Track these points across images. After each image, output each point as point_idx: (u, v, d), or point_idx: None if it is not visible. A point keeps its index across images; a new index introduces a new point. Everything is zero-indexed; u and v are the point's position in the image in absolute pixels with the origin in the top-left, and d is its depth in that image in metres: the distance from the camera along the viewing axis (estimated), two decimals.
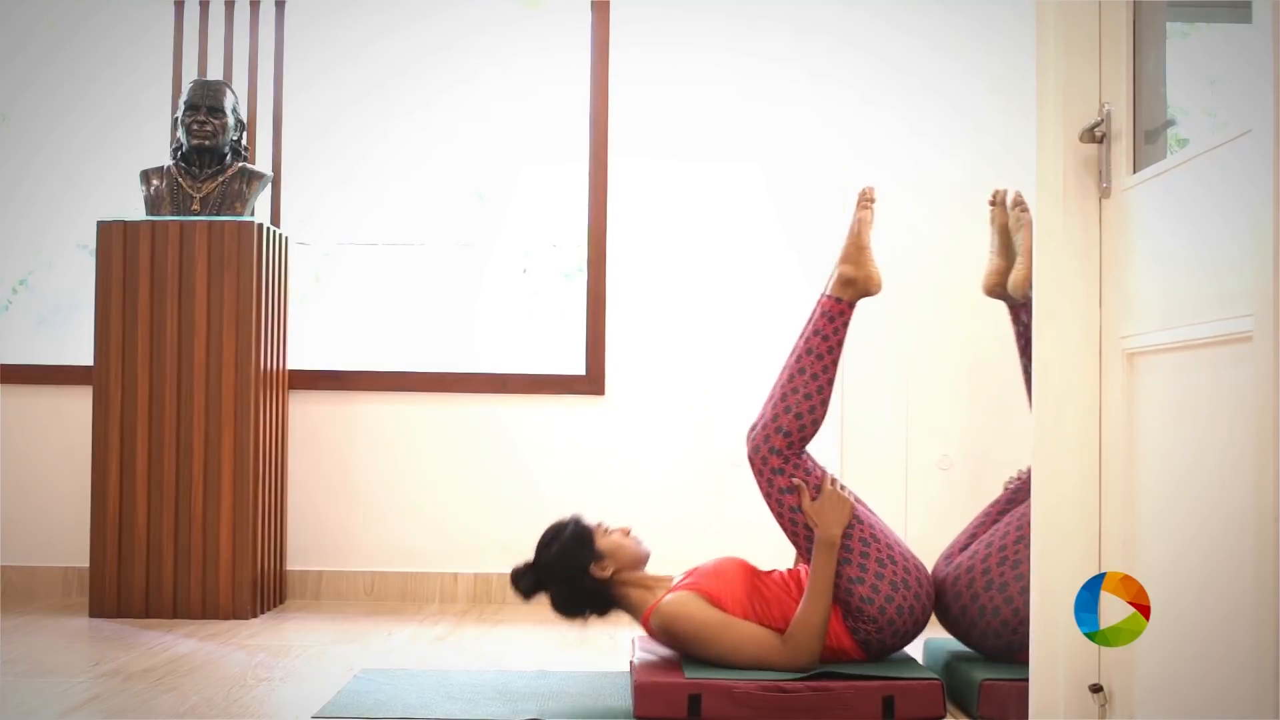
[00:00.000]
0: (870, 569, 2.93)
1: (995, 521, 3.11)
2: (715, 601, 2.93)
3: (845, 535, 2.94)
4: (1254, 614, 1.64)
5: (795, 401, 3.01)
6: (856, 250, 3.11)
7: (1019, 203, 3.16)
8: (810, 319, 3.10)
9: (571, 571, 2.99)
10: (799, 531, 3.01)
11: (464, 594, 4.56)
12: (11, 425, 4.59)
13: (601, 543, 3.01)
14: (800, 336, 3.10)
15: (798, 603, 2.96)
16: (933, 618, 3.05)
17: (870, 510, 3.08)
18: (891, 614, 2.92)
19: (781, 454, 3.00)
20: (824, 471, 3.04)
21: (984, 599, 2.90)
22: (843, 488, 3.01)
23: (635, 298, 4.65)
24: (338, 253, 4.89)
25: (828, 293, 3.11)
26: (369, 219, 4.88)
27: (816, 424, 3.03)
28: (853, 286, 3.10)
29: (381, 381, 4.66)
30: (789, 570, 3.11)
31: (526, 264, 4.88)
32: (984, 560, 2.94)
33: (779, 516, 3.04)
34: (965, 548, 3.10)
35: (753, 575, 3.05)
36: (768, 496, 3.03)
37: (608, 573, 2.99)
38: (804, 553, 3.04)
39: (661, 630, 2.94)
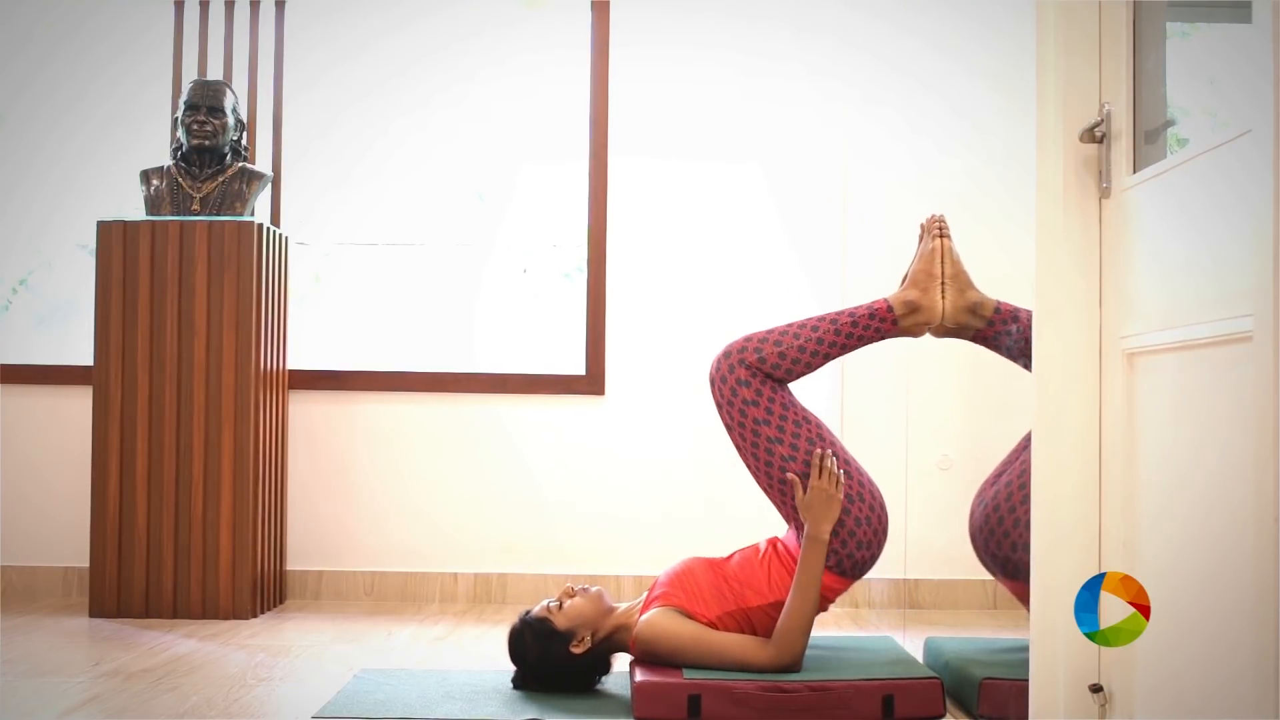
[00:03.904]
0: None
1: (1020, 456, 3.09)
2: (687, 610, 2.98)
3: (808, 454, 3.01)
4: (1254, 614, 1.64)
5: (788, 343, 3.06)
6: (927, 277, 3.11)
7: (941, 228, 3.16)
8: (859, 306, 3.12)
9: (558, 665, 2.99)
10: (759, 455, 3.04)
11: (464, 594, 4.56)
12: (11, 425, 4.59)
13: (563, 621, 2.99)
14: (839, 310, 3.13)
15: (763, 568, 3.03)
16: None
17: (829, 428, 3.12)
18: (850, 525, 2.98)
19: (750, 368, 3.05)
20: (818, 433, 3.05)
21: (1014, 535, 2.90)
22: (832, 458, 3.01)
23: (635, 298, 4.66)
24: (337, 253, 4.89)
25: (889, 300, 3.11)
26: (369, 219, 4.88)
27: (789, 375, 3.07)
28: (914, 314, 3.09)
29: (381, 381, 4.66)
30: (747, 548, 3.15)
31: (526, 264, 4.88)
32: (1007, 500, 2.95)
33: (737, 429, 3.06)
34: (993, 484, 3.10)
35: (713, 568, 3.08)
36: (729, 405, 3.06)
37: (586, 644, 2.99)
38: (763, 478, 3.07)
39: (645, 654, 2.97)
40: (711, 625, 2.98)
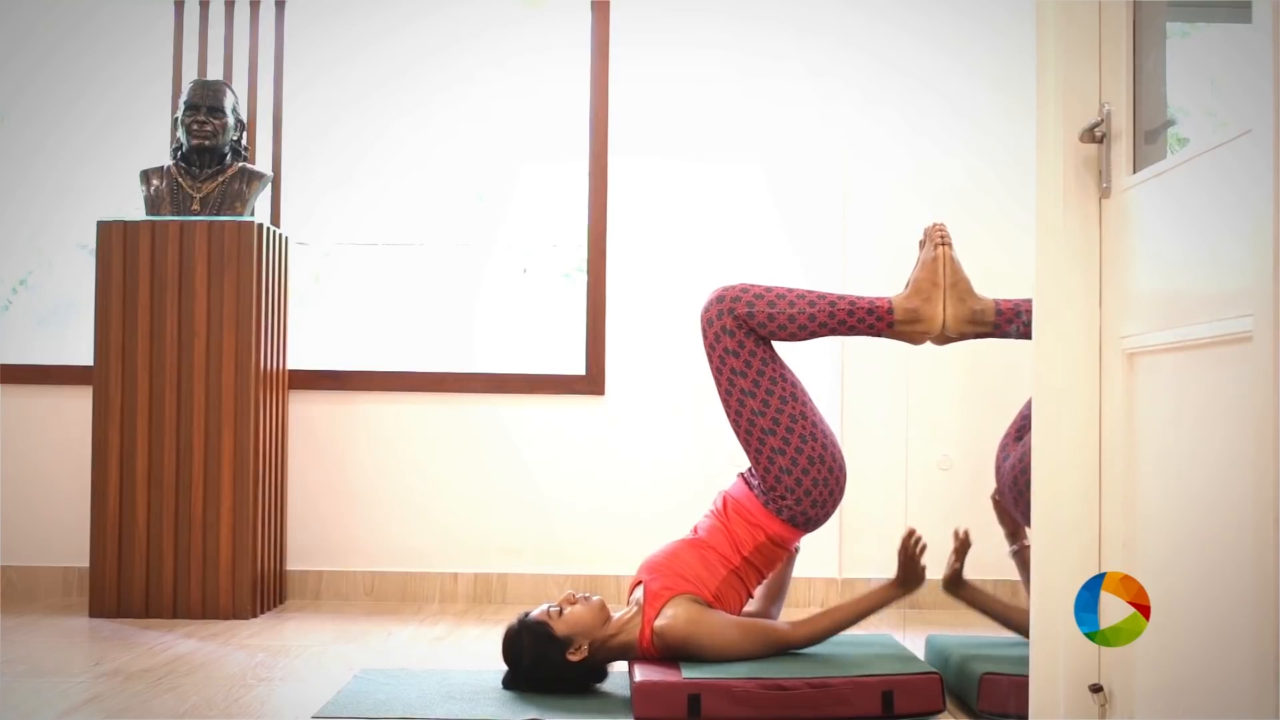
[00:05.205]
0: (793, 443, 3.10)
1: None
2: (693, 594, 3.05)
3: (778, 410, 3.10)
4: (1254, 614, 1.64)
5: (782, 308, 3.11)
6: (930, 286, 3.12)
7: (943, 235, 3.14)
8: (862, 298, 3.14)
9: (552, 670, 2.99)
10: (732, 404, 3.14)
11: (464, 594, 4.56)
12: (11, 425, 4.59)
13: (561, 627, 2.98)
14: (841, 294, 3.16)
15: (727, 531, 3.14)
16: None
17: (804, 389, 3.19)
18: (808, 485, 3.09)
19: (738, 319, 3.11)
20: (793, 393, 3.11)
21: None
22: (918, 542, 3.15)
23: (635, 298, 4.65)
24: (338, 253, 4.89)
25: (890, 303, 3.12)
26: (369, 219, 4.88)
27: (772, 337, 3.13)
28: (915, 322, 3.11)
29: (381, 381, 4.66)
30: (706, 519, 3.24)
31: (526, 264, 4.88)
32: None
33: (715, 374, 3.15)
34: (1019, 438, 3.12)
35: (692, 544, 3.16)
36: (712, 351, 3.14)
37: (583, 653, 2.99)
38: (733, 425, 3.16)
39: (675, 649, 2.99)
40: (717, 597, 3.08)
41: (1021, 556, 3.25)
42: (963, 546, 3.24)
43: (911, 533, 3.18)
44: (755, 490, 3.17)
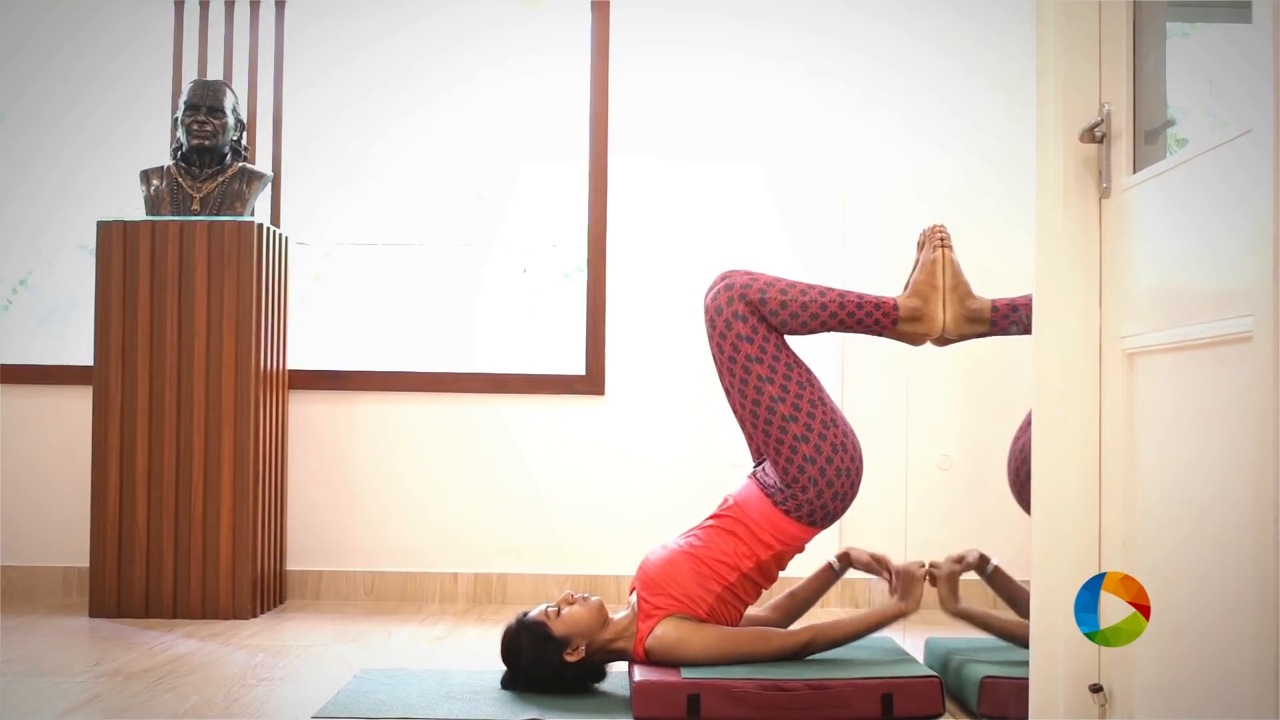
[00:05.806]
0: (815, 429, 3.04)
1: None
2: (686, 613, 3.03)
3: (797, 396, 3.04)
4: (1254, 614, 1.64)
5: (794, 296, 3.07)
6: (929, 288, 3.12)
7: (942, 238, 3.14)
8: (869, 294, 3.12)
9: (550, 671, 2.98)
10: (748, 392, 3.08)
11: (464, 594, 4.56)
12: (11, 425, 4.59)
13: (559, 627, 2.97)
14: (849, 289, 3.14)
15: (728, 541, 3.07)
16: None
17: (817, 376, 3.16)
18: (831, 475, 3.04)
19: (750, 304, 3.05)
20: (808, 378, 3.09)
21: None
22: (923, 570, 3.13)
23: (635, 298, 4.65)
24: (338, 253, 4.89)
25: (895, 301, 3.11)
26: (369, 219, 4.88)
27: (781, 327, 3.08)
28: (916, 322, 3.11)
29: (381, 381, 4.66)
30: (705, 524, 3.17)
31: (526, 264, 4.88)
32: None
33: (727, 364, 3.09)
34: (1029, 428, 3.12)
35: (687, 555, 3.09)
36: (722, 338, 3.07)
37: (580, 654, 2.98)
38: (747, 415, 3.10)
39: (667, 663, 2.99)
40: (711, 613, 3.05)
41: (995, 580, 3.23)
42: (964, 567, 3.15)
43: (921, 566, 3.16)
44: (770, 489, 3.10)
